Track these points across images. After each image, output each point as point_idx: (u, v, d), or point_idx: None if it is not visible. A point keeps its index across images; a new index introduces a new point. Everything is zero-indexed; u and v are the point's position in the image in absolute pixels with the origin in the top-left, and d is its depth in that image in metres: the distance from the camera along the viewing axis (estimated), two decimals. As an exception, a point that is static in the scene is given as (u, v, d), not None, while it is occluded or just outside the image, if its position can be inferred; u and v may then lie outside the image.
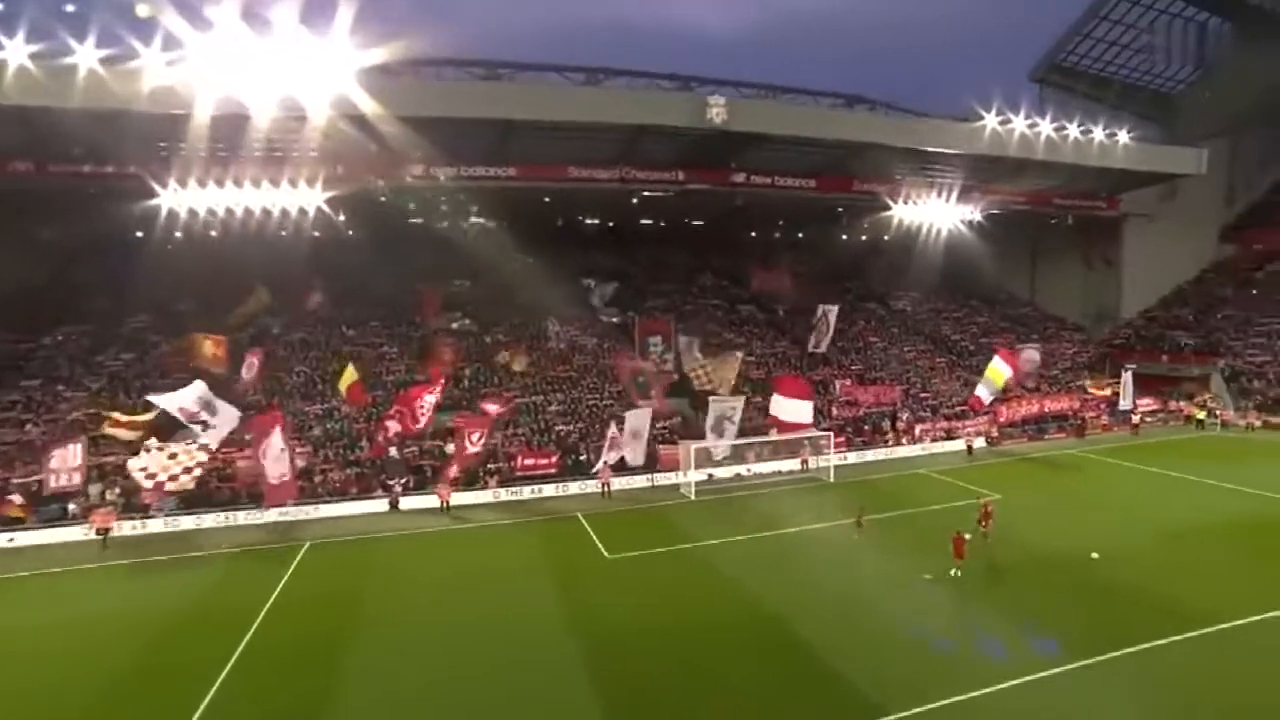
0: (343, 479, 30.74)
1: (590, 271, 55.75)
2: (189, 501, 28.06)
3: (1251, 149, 60.24)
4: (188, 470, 27.03)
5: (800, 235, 62.43)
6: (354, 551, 24.76)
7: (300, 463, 30.31)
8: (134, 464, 26.70)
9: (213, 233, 39.57)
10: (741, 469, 33.90)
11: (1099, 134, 41.73)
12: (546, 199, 44.61)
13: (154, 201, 33.16)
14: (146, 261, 40.34)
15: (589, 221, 58.50)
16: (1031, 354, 45.82)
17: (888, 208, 44.96)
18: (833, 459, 33.80)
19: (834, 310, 46.16)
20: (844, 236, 60.31)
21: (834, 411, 40.78)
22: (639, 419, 32.08)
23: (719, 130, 34.89)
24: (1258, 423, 41.94)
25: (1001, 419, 40.99)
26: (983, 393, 36.73)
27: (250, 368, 34.26)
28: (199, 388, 27.79)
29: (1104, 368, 51.01)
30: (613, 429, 31.60)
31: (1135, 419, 42.48)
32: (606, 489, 30.96)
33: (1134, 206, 54.23)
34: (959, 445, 38.54)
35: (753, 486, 32.42)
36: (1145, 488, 30.12)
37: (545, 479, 31.86)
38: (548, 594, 20.14)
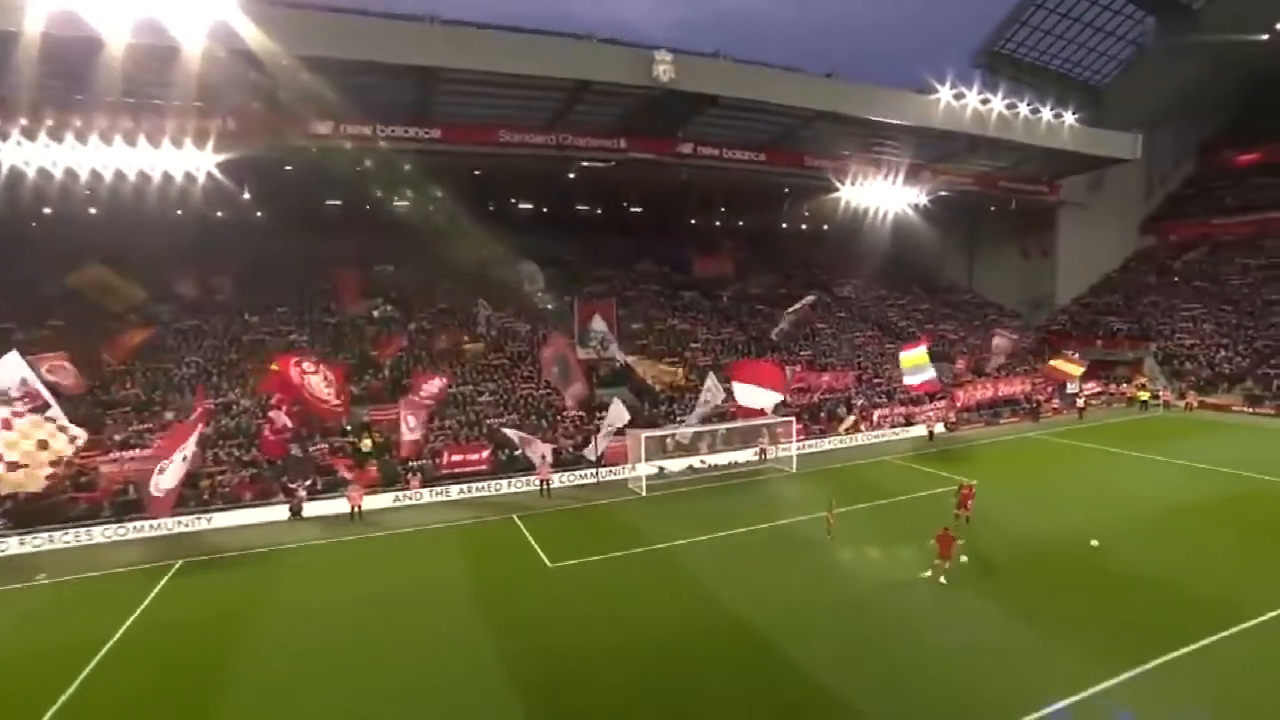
0: (236, 483, 25.82)
1: (525, 256, 52.05)
2: (19, 517, 22.60)
3: (1168, 143, 62.08)
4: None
5: (742, 223, 60.41)
6: (239, 569, 20.26)
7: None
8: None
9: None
10: (694, 460, 30.87)
11: (1047, 114, 41.01)
12: (477, 171, 40.39)
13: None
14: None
15: (522, 206, 54.67)
16: (1002, 339, 44.97)
17: (835, 188, 43.11)
18: (794, 448, 31.17)
19: (809, 299, 44.10)
20: (784, 225, 59.02)
21: (788, 399, 38.34)
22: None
23: (666, 90, 31.78)
24: (1195, 404, 42.13)
25: (959, 403, 39.59)
26: (923, 377, 35.00)
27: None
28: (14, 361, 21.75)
29: (1043, 353, 50.82)
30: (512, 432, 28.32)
31: (1080, 402, 41.94)
32: (546, 487, 27.30)
33: (1067, 196, 54.60)
34: (919, 431, 36.78)
35: (709, 480, 29.51)
36: (1114, 469, 28.84)
37: (476, 476, 27.86)
38: (477, 612, 16.59)
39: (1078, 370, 41.48)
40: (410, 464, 27.53)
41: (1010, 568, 18.26)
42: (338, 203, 46.95)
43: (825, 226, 59.34)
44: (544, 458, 27.42)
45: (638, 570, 19.15)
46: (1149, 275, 59.05)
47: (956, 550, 17.40)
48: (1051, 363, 43.47)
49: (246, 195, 44.19)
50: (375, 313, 41.79)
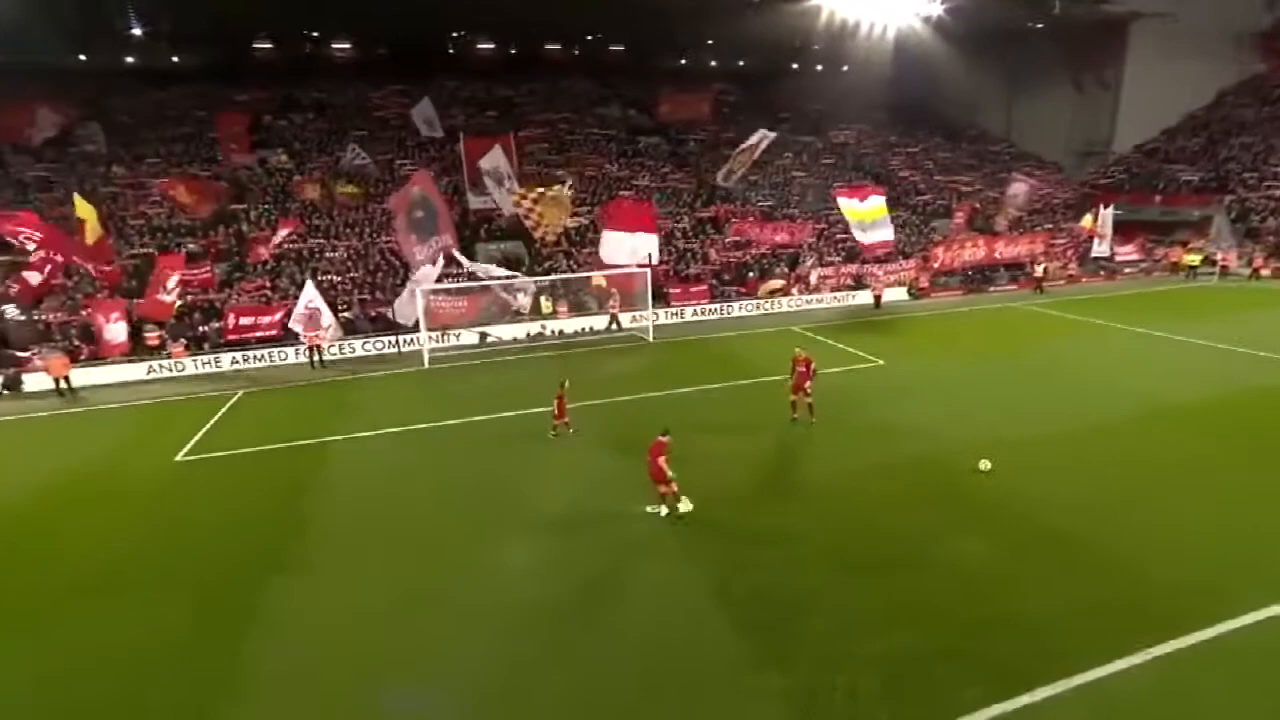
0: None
1: (466, 100, 45.56)
2: None
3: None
4: None
5: (728, 62, 51.86)
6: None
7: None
8: None
9: None
10: (535, 327, 25.24)
11: None
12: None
13: None
14: None
15: (482, 47, 48.00)
16: (1018, 187, 35.97)
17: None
18: (650, 312, 25.06)
19: (769, 137, 35.71)
20: (778, 64, 49.66)
21: (712, 255, 31.75)
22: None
23: None
24: (1266, 270, 32.68)
25: (937, 264, 31.84)
26: (878, 235, 27.20)
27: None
28: None
29: (1084, 210, 41.10)
30: (309, 293, 22.84)
31: (1075, 268, 33.34)
32: (317, 356, 22.53)
33: (1145, 2, 42.11)
34: (868, 297, 29.70)
35: (529, 350, 24.14)
36: (1103, 351, 21.30)
37: (264, 343, 23.34)
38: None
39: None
40: (164, 326, 23.08)
41: (815, 495, 12.38)
42: (233, 42, 41.56)
43: (820, 66, 50.00)
44: (310, 321, 22.43)
45: (275, 468, 14.52)
46: (1247, 110, 46.38)
47: (671, 498, 11.34)
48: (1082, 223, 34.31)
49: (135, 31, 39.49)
50: (269, 162, 36.56)
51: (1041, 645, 8.06)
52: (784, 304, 28.95)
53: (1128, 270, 35.08)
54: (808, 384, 15.15)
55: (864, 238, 27.79)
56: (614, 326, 25.91)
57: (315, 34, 44.01)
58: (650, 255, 25.26)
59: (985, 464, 12.57)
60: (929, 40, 38.86)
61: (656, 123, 45.72)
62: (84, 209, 22.06)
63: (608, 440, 14.75)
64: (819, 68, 51.21)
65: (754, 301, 28.72)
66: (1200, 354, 19.99)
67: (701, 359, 21.72)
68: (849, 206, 27.43)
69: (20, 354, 21.79)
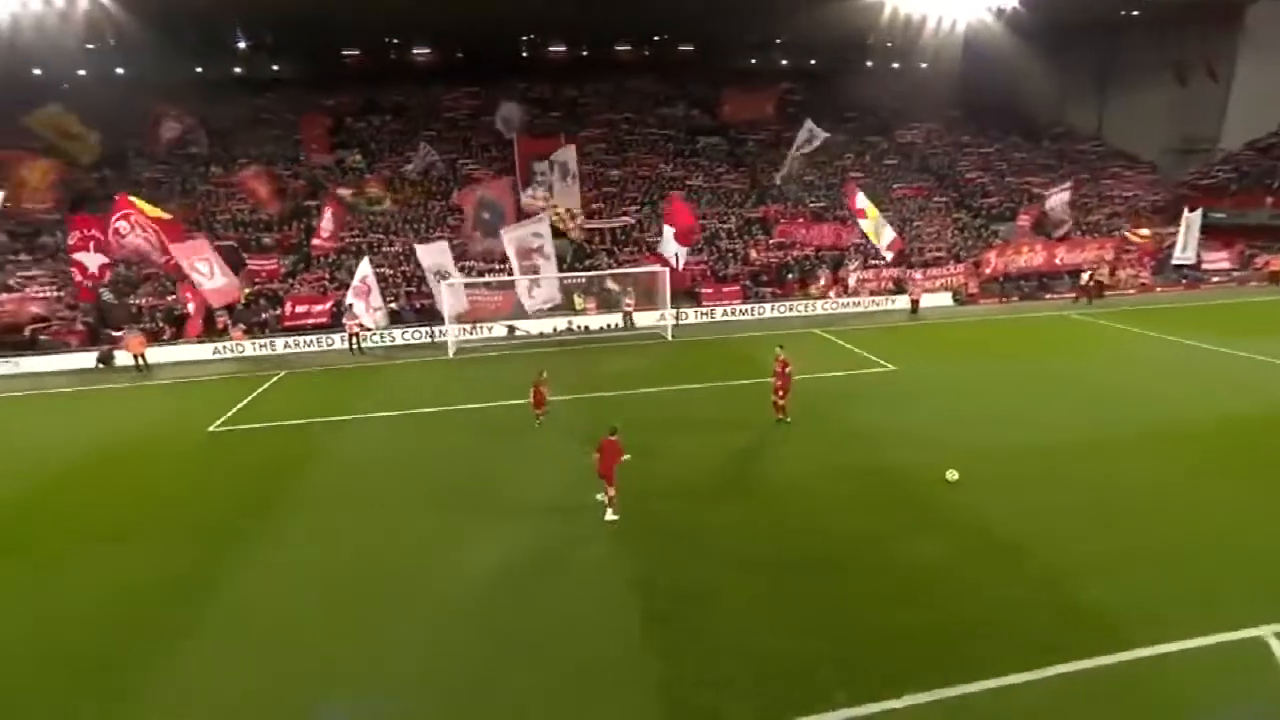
0: (66, 329, 25.34)
1: (533, 101, 47.20)
2: None
3: None
4: None
5: (796, 62, 51.25)
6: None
7: (37, 309, 25.37)
8: None
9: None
10: (561, 322, 26.04)
11: None
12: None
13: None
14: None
15: (554, 49, 49.72)
16: (1059, 197, 33.79)
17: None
18: (669, 312, 25.40)
19: (819, 135, 35.16)
20: (850, 62, 48.49)
21: (752, 256, 31.65)
22: (435, 255, 24.63)
23: None
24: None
25: (988, 269, 30.41)
26: (889, 236, 26.24)
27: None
28: None
29: (1175, 213, 37.96)
30: (364, 269, 24.40)
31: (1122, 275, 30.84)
32: (356, 343, 24.24)
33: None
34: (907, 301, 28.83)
35: (549, 344, 25.01)
36: (1146, 362, 20.00)
37: (317, 330, 25.41)
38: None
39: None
40: (231, 312, 25.57)
41: (769, 494, 12.48)
42: (326, 52, 45.05)
43: (895, 64, 48.54)
44: (363, 295, 24.31)
45: (289, 441, 16.06)
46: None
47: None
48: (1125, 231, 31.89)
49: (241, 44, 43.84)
50: (344, 162, 39.42)
51: (931, 655, 7.95)
52: (818, 306, 28.51)
53: (1215, 279, 32.16)
54: (779, 385, 15.18)
55: (884, 240, 26.82)
56: (628, 324, 26.46)
57: (396, 40, 46.85)
58: (676, 256, 25.61)
59: (953, 474, 12.26)
60: (1009, 34, 37.01)
61: (718, 123, 45.70)
62: (148, 210, 24.86)
63: (586, 433, 15.26)
64: (894, 65, 49.63)
65: (786, 303, 28.45)
66: (1246, 369, 18.36)
67: (710, 358, 21.94)
68: (865, 218, 26.60)
69: (115, 333, 24.78)
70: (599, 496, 11.81)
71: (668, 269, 25.15)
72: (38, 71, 38.48)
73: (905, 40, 41.19)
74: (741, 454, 14.23)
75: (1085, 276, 29.79)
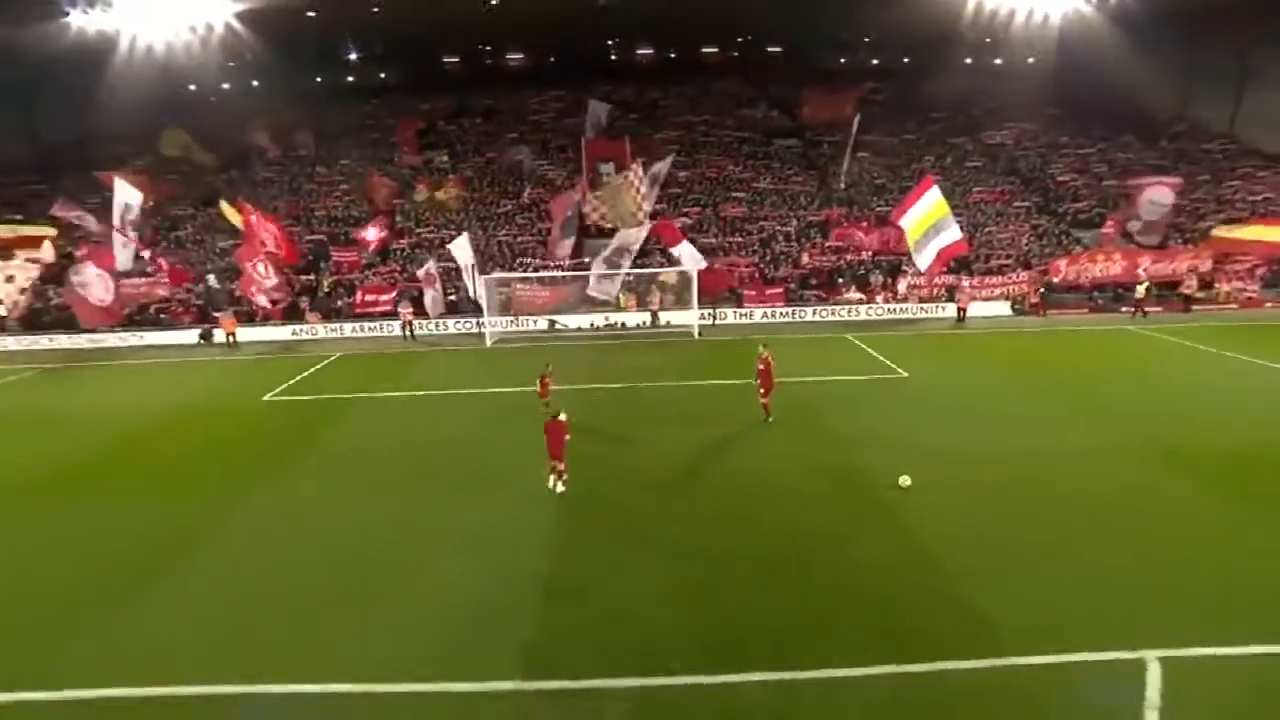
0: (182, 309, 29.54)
1: (616, 103, 48.68)
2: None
3: None
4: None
5: (905, 60, 49.48)
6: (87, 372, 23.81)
7: (162, 292, 29.65)
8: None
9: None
10: (599, 318, 27.10)
11: None
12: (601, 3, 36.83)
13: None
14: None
15: (641, 52, 51.19)
16: (1159, 193, 31.02)
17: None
18: (695, 313, 25.92)
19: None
20: (964, 60, 46.31)
21: (804, 260, 31.38)
22: (462, 250, 26.59)
23: None
24: None
25: (1056, 278, 28.59)
26: (944, 240, 24.36)
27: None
28: None
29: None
30: (430, 265, 26.47)
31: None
32: (408, 330, 26.44)
33: None
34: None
35: (583, 338, 26.29)
36: (1190, 377, 18.55)
37: (385, 316, 28.03)
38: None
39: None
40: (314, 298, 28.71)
41: (719, 488, 12.79)
42: (427, 59, 48.55)
43: (998, 59, 46.02)
44: (429, 281, 26.78)
45: (324, 410, 18.28)
46: None
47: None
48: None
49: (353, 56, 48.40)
50: (431, 162, 42.55)
51: (792, 641, 8.23)
52: (862, 312, 27.97)
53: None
54: (760, 384, 15.45)
55: (925, 254, 24.75)
56: (654, 322, 27.34)
57: (489, 47, 49.71)
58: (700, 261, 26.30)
59: (905, 480, 12.18)
60: (1124, 25, 34.45)
61: (797, 124, 45.25)
62: (230, 213, 28.36)
63: (587, 422, 16.13)
64: (994, 60, 46.94)
65: (829, 307, 28.13)
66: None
67: (725, 358, 22.15)
68: (913, 221, 24.80)
69: (216, 314, 28.46)
70: (550, 477, 12.64)
71: (695, 270, 25.64)
72: (184, 88, 44.14)
73: (1001, 35, 39.02)
74: (713, 448, 14.56)
75: (1141, 289, 27.40)
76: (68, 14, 29.99)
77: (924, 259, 24.32)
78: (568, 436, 12.35)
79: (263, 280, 27.04)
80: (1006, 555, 9.88)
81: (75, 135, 43.49)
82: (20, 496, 13.22)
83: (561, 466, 12.43)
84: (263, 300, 27.41)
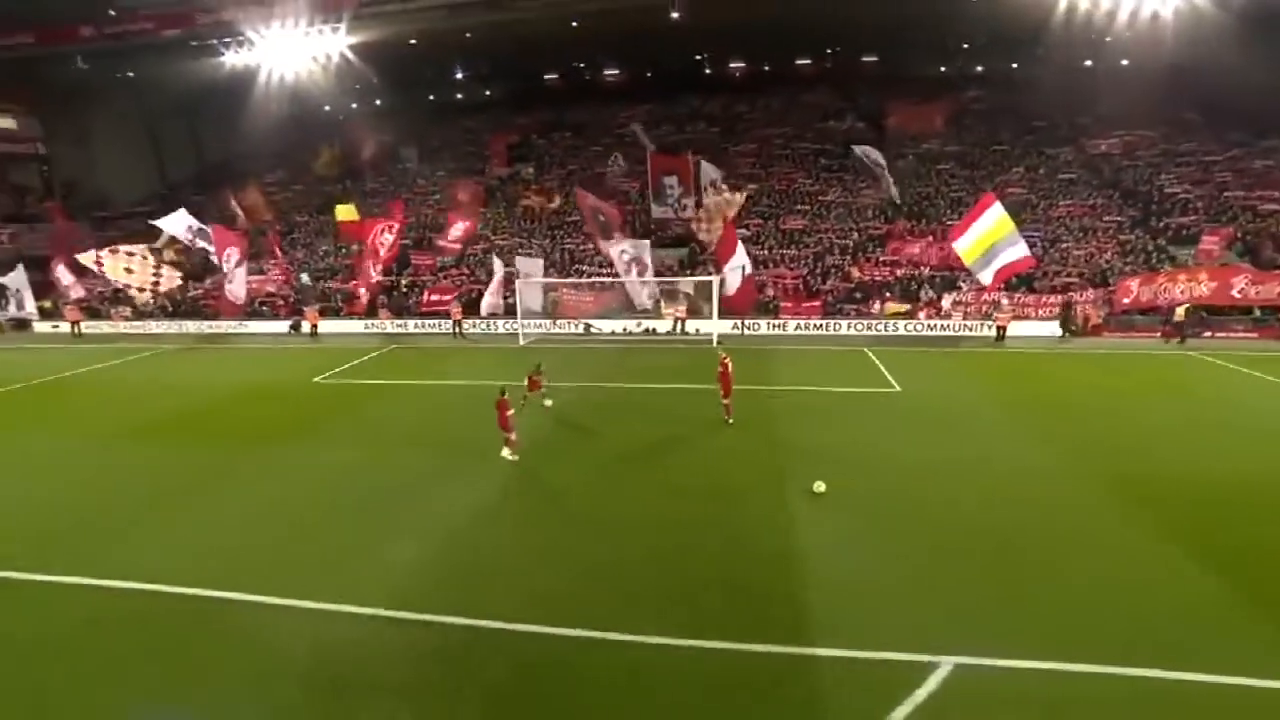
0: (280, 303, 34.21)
1: (701, 116, 49.87)
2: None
3: None
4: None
5: (1015, 65, 46.87)
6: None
7: (270, 288, 34.32)
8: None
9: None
10: (633, 323, 28.25)
11: None
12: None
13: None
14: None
15: (733, 66, 52.07)
16: (1215, 238, 27.97)
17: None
18: (715, 321, 26.32)
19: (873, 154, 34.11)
20: (1087, 62, 43.02)
21: (854, 274, 30.87)
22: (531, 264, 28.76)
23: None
24: None
25: (1127, 299, 26.38)
26: (1010, 255, 23.16)
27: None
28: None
29: None
30: (499, 270, 28.81)
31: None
32: (458, 328, 29.03)
33: None
34: (1017, 328, 26.23)
35: (614, 341, 27.51)
36: (1230, 402, 17.06)
37: (440, 315, 30.96)
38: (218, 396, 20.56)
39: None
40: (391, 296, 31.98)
41: (648, 481, 13.54)
42: (529, 77, 51.94)
43: (1124, 61, 42.08)
44: (499, 285, 29.35)
45: (361, 393, 20.65)
46: None
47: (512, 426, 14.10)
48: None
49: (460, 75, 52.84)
50: (519, 173, 45.73)
51: (621, 600, 9.10)
52: (899, 326, 27.18)
53: None
54: (726, 390, 15.95)
55: (997, 264, 23.84)
56: (677, 330, 28.17)
57: (584, 64, 52.31)
58: (744, 268, 26.58)
59: (820, 486, 12.42)
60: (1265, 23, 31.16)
61: (880, 136, 44.13)
62: (345, 211, 32.04)
63: (580, 415, 17.49)
64: (1122, 60, 42.93)
65: (865, 321, 27.59)
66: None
67: (745, 364, 22.52)
68: (971, 240, 24.07)
69: (306, 308, 32.53)
70: (504, 451, 14.21)
71: (718, 280, 26.22)
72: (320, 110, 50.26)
73: (1121, 35, 35.96)
74: (664, 443, 15.18)
75: (1180, 311, 24.64)
76: (223, 54, 35.78)
77: (986, 276, 23.83)
78: (511, 412, 14.04)
79: (369, 278, 30.84)
80: (866, 563, 10.02)
81: (224, 155, 51.13)
82: (125, 436, 16.72)
83: (513, 437, 14.21)
84: (364, 294, 31.29)
